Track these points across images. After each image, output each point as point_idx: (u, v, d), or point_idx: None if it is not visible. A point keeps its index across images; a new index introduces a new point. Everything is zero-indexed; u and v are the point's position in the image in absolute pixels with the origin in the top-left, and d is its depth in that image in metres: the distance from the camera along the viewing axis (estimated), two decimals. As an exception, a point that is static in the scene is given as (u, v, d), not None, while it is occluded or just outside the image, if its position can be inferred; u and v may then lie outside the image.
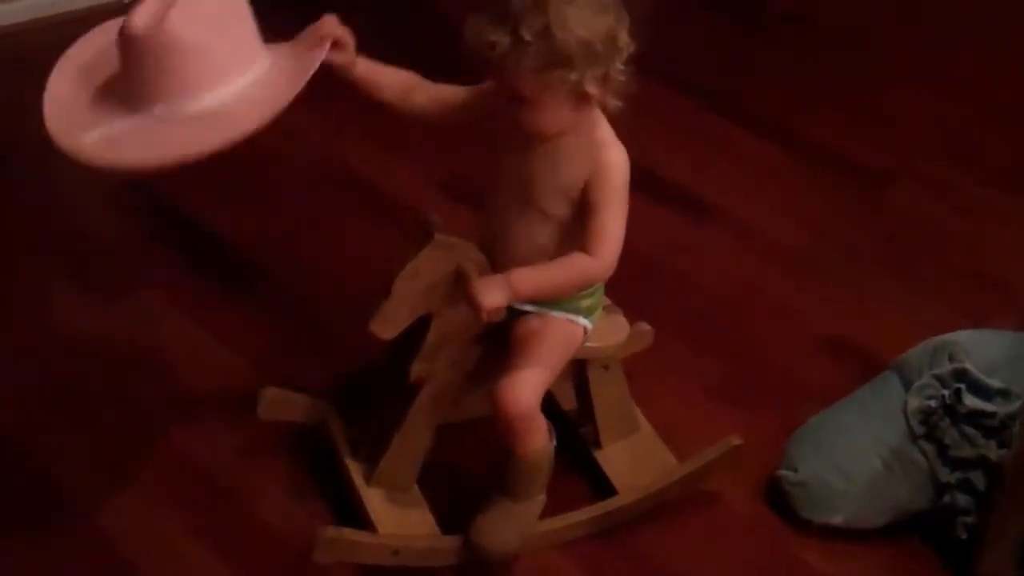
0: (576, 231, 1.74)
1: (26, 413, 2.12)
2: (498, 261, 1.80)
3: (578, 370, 2.03)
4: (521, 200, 1.77)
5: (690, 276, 2.57)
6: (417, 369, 1.83)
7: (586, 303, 1.86)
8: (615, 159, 1.72)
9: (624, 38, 1.65)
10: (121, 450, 2.07)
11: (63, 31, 3.12)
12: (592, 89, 1.64)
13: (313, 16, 1.75)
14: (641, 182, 2.77)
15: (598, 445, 2.09)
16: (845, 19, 3.61)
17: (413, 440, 1.91)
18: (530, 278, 1.72)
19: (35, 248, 2.48)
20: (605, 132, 1.74)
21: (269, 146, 2.81)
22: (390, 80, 1.83)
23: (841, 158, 2.98)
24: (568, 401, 2.13)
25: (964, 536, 1.94)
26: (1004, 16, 3.71)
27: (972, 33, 3.59)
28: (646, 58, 1.68)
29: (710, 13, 3.55)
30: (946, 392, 1.97)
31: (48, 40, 3.12)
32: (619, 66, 1.65)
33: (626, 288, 2.06)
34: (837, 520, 2.01)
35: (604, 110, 1.72)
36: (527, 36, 1.57)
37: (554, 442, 1.89)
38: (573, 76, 1.61)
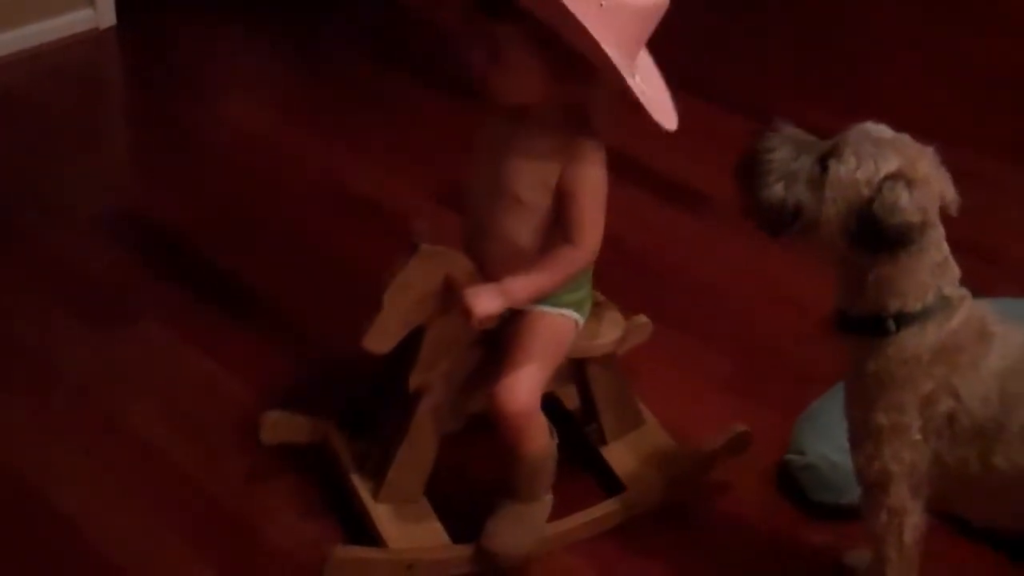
0: (555, 225, 1.76)
1: (31, 447, 2.12)
2: (482, 262, 1.80)
3: (578, 368, 2.02)
4: (497, 190, 1.78)
5: (689, 268, 2.56)
6: (415, 380, 1.83)
7: (575, 296, 1.86)
8: (591, 147, 1.75)
9: None
10: (126, 480, 2.06)
11: (38, 64, 3.15)
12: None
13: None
14: (634, 175, 2.78)
15: (604, 442, 2.08)
16: (832, 6, 3.60)
17: (418, 451, 1.90)
18: (522, 283, 1.75)
19: (33, 284, 2.47)
20: (581, 124, 1.75)
21: (262, 170, 2.84)
22: None
23: (837, 139, 2.97)
24: (572, 400, 2.13)
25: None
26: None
27: (959, 9, 3.58)
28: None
29: (698, 10, 3.53)
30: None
31: (25, 73, 3.15)
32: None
33: (626, 283, 2.05)
34: (847, 500, 1.99)
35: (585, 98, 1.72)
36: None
37: (556, 440, 1.89)
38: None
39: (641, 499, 2.01)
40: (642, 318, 2.20)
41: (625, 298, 2.02)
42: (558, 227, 1.76)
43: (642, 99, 1.65)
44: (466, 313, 1.71)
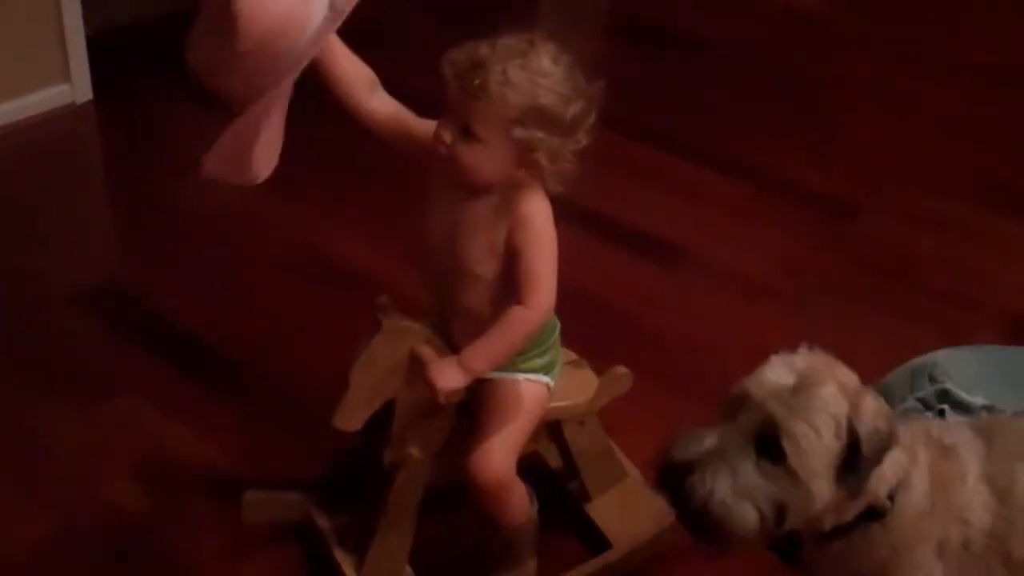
0: (507, 288, 1.72)
1: (11, 519, 2.12)
2: (449, 333, 1.79)
3: (555, 429, 2.01)
4: (453, 267, 1.76)
5: (665, 322, 2.55)
6: (389, 455, 1.82)
7: (542, 361, 1.84)
8: (534, 204, 1.71)
9: (583, 132, 1.66)
10: (107, 555, 2.05)
11: (15, 140, 3.16)
12: (543, 159, 1.65)
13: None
14: (606, 232, 2.77)
15: (587, 499, 2.07)
16: (789, 54, 3.62)
17: (397, 525, 1.89)
18: (479, 353, 1.71)
19: (11, 360, 2.47)
20: (526, 186, 1.72)
21: (239, 240, 2.83)
22: (349, 69, 1.76)
23: (805, 190, 2.97)
24: (555, 458, 2.11)
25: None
26: (943, 33, 3.72)
27: (915, 53, 3.60)
28: (599, 108, 1.68)
29: (658, 60, 3.56)
30: (930, 414, 1.94)
31: (2, 150, 3.15)
32: (569, 153, 1.66)
33: (603, 341, 2.04)
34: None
35: (544, 187, 1.71)
36: (510, 80, 1.60)
37: (536, 505, 1.88)
38: (536, 135, 1.63)
39: (627, 556, 2.00)
40: (621, 369, 2.18)
41: (601, 355, 2.01)
42: (509, 288, 1.72)
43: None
44: (431, 390, 1.70)
